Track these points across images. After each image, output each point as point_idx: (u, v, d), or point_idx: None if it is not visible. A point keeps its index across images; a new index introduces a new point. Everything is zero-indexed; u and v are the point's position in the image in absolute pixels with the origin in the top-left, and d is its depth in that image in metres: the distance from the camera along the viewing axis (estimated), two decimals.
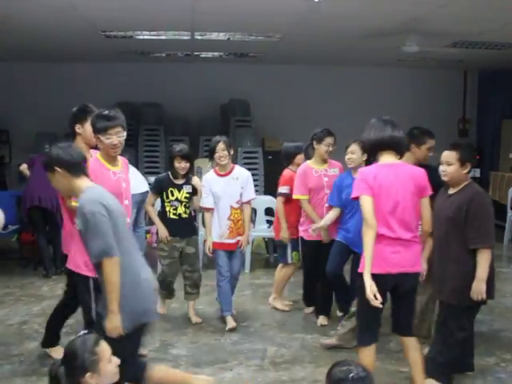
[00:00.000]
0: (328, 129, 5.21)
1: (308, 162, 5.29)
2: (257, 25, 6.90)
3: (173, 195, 4.98)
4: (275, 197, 6.96)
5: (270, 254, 7.48)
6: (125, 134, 3.67)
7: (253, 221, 7.36)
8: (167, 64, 10.18)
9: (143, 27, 7.09)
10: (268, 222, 7.37)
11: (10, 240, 7.91)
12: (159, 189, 5.05)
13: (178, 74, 10.23)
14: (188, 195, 5.01)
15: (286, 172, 5.50)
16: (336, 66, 10.56)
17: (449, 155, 3.67)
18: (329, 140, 5.11)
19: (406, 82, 11.08)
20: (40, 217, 6.69)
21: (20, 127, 10.05)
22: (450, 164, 3.65)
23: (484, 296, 3.57)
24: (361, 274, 3.35)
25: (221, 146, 4.93)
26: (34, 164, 6.86)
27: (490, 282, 3.64)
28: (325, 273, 4.95)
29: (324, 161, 5.21)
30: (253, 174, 9.33)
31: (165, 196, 4.99)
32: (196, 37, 7.66)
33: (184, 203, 5.00)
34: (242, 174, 5.19)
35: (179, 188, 4.98)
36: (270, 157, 9.82)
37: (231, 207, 5.03)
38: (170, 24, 6.89)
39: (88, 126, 3.83)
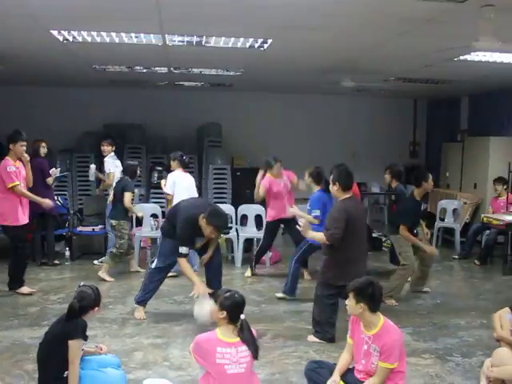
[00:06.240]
0: (275, 156, 7.44)
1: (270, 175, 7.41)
2: (222, 63, 8.13)
3: None
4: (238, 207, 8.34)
5: (228, 252, 8.60)
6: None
7: None
8: (150, 90, 11.20)
9: (128, 63, 8.38)
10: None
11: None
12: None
13: (159, 99, 11.29)
14: None
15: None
16: (299, 95, 11.69)
17: None
18: (278, 165, 7.33)
19: (363, 109, 12.25)
20: (40, 218, 7.78)
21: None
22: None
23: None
24: None
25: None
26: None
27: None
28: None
29: (279, 175, 7.37)
30: (222, 188, 10.74)
31: None
32: (173, 71, 8.99)
33: None
34: None
35: None
36: (238, 173, 11.05)
37: None
38: (150, 61, 8.14)
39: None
